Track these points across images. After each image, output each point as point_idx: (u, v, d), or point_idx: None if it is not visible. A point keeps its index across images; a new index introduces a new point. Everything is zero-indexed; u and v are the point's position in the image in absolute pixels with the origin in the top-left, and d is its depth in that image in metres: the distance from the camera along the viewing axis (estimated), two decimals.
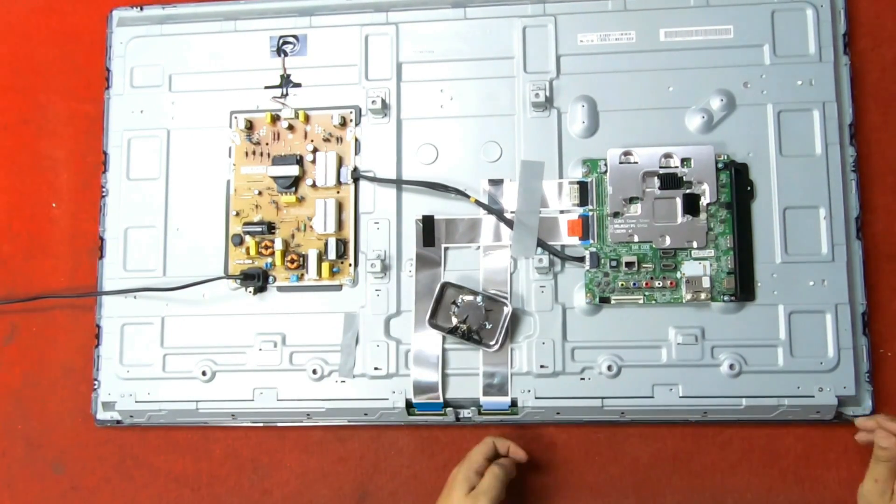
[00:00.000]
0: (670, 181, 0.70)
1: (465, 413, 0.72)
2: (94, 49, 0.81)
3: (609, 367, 0.70)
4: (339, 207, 0.74)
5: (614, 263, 0.70)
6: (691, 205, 0.70)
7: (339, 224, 0.74)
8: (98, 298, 0.77)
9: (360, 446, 0.75)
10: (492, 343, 0.70)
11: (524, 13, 0.75)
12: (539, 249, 0.71)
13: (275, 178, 0.75)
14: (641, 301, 0.70)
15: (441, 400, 0.71)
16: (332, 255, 0.74)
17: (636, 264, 0.70)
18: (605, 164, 0.71)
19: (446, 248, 0.73)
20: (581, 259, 0.71)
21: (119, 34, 0.80)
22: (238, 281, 0.74)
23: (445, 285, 0.71)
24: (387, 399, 0.72)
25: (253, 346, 0.74)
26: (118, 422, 0.76)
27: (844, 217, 0.70)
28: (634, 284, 0.70)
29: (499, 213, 0.73)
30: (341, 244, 0.74)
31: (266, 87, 0.77)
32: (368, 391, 0.72)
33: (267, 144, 0.76)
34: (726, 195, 0.70)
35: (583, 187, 0.72)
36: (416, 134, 0.75)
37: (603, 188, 0.71)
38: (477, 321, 0.70)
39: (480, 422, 0.72)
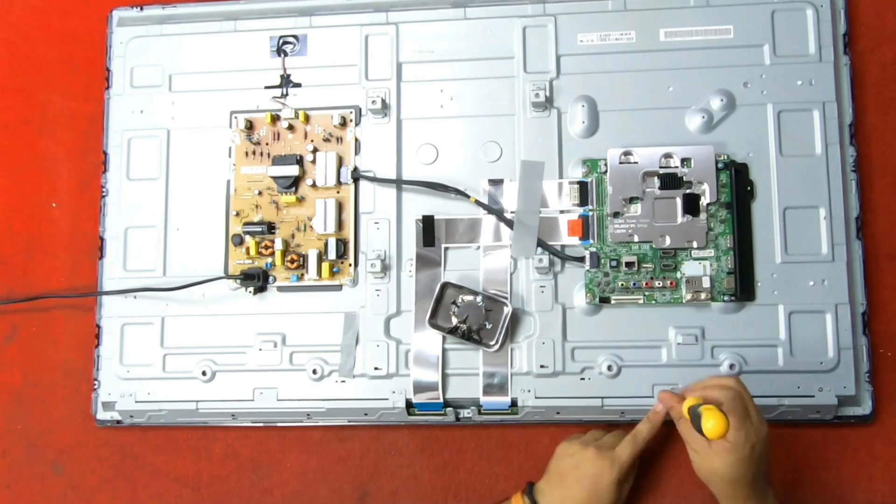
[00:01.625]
0: (670, 181, 0.70)
1: (465, 413, 0.72)
2: (94, 49, 0.81)
3: (609, 367, 0.70)
4: (339, 207, 0.74)
5: (614, 263, 0.70)
6: (691, 205, 0.70)
7: (339, 224, 0.74)
8: (98, 298, 0.77)
9: (360, 446, 0.75)
10: (492, 343, 0.70)
11: (524, 13, 0.75)
12: (539, 249, 0.71)
13: (275, 178, 0.75)
14: (641, 301, 0.70)
15: (441, 400, 0.71)
16: (332, 255, 0.74)
17: (636, 264, 0.70)
18: (605, 164, 0.71)
19: (446, 248, 0.73)
20: (581, 259, 0.71)
21: (119, 34, 0.80)
22: (238, 281, 0.74)
23: (445, 285, 0.71)
24: (387, 399, 0.72)
25: (253, 346, 0.74)
26: (118, 422, 0.76)
27: (844, 217, 0.70)
28: (634, 284, 0.70)
29: (499, 213, 0.73)
30: (341, 244, 0.74)
31: (266, 87, 0.77)
32: (368, 391, 0.72)
33: (267, 144, 0.76)
34: (726, 195, 0.70)
35: (583, 187, 0.72)
36: (416, 134, 0.75)
37: (603, 188, 0.71)
38: (477, 321, 0.70)
39: (480, 422, 0.72)
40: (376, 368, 0.72)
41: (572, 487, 0.64)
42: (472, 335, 0.70)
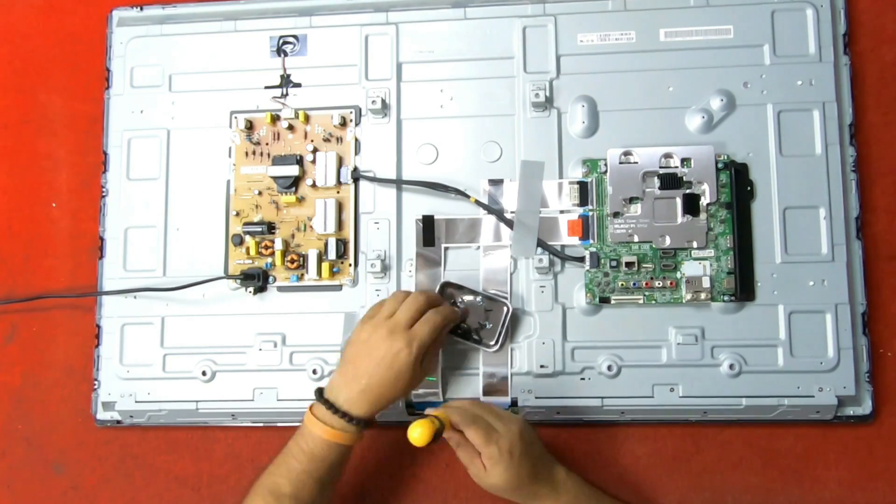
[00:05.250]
0: (670, 181, 0.70)
1: None
2: (94, 49, 0.81)
3: (609, 367, 0.70)
4: (339, 207, 0.74)
5: (614, 263, 0.70)
6: (691, 205, 0.70)
7: (339, 224, 0.74)
8: (98, 298, 0.77)
9: (359, 446, 0.74)
10: (492, 343, 0.70)
11: (524, 13, 0.75)
12: (539, 249, 0.71)
13: (275, 178, 0.75)
14: (641, 301, 0.70)
15: (441, 399, 0.71)
16: (332, 255, 0.74)
17: (636, 264, 0.70)
18: (605, 164, 0.71)
19: (446, 248, 0.73)
20: (581, 259, 0.71)
21: (119, 34, 0.80)
22: (238, 281, 0.74)
23: (445, 285, 0.71)
24: None
25: (253, 346, 0.74)
26: (118, 422, 0.76)
27: (844, 217, 0.70)
28: (634, 284, 0.70)
29: (499, 213, 0.73)
30: (341, 244, 0.74)
31: (266, 87, 0.77)
32: None
33: (267, 144, 0.76)
34: (726, 195, 0.70)
35: (583, 187, 0.72)
36: (416, 134, 0.75)
37: (603, 188, 0.71)
38: (477, 321, 0.70)
39: None
40: None
41: (369, 373, 0.62)
42: (472, 335, 0.70)
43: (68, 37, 0.83)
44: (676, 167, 0.71)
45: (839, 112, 0.71)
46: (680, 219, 0.70)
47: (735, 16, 0.73)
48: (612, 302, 0.70)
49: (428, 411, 0.62)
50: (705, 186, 0.70)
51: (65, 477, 0.78)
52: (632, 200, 0.71)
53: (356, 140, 0.76)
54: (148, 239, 0.76)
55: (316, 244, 0.74)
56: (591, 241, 0.71)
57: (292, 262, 0.74)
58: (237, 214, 0.76)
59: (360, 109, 0.76)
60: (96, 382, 0.76)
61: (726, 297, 0.69)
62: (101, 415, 0.76)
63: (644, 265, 0.70)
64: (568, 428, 0.73)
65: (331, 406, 0.62)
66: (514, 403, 0.71)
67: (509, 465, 0.60)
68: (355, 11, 0.77)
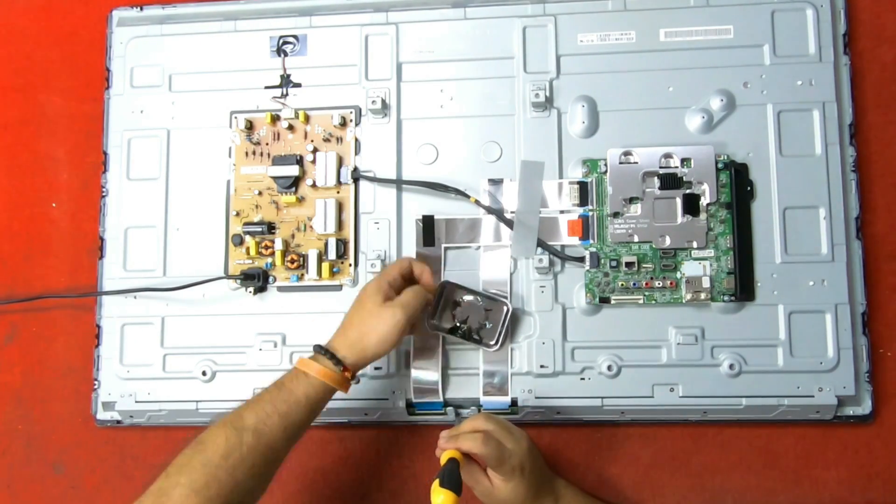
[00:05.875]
0: (670, 181, 0.70)
1: (465, 413, 0.72)
2: (94, 49, 0.81)
3: (609, 367, 0.70)
4: (339, 207, 0.74)
5: (614, 263, 0.70)
6: (691, 205, 0.70)
7: (339, 224, 0.74)
8: (98, 298, 0.77)
9: (360, 446, 0.75)
10: (492, 343, 0.70)
11: (524, 13, 0.75)
12: (539, 249, 0.71)
13: (275, 178, 0.75)
14: (641, 301, 0.70)
15: (441, 399, 0.71)
16: (332, 255, 0.74)
17: (636, 264, 0.70)
18: (605, 164, 0.71)
19: (446, 248, 0.73)
20: (581, 259, 0.71)
21: (119, 34, 0.80)
22: (238, 281, 0.74)
23: (445, 285, 0.71)
24: (387, 399, 0.72)
25: (253, 346, 0.74)
26: (118, 422, 0.76)
27: (844, 217, 0.70)
28: (634, 284, 0.70)
29: (499, 213, 0.73)
30: (341, 244, 0.74)
31: (266, 87, 0.77)
32: (368, 391, 0.72)
33: (267, 144, 0.76)
34: (726, 195, 0.70)
35: (583, 187, 0.72)
36: (416, 134, 0.75)
37: (603, 188, 0.71)
38: (477, 321, 0.70)
39: None
40: (376, 368, 0.72)
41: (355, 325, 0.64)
42: (472, 335, 0.70)
43: (68, 37, 0.83)
44: (676, 167, 0.71)
45: (839, 112, 0.71)
46: (680, 219, 0.70)
47: (735, 16, 0.73)
48: (612, 302, 0.70)
49: (438, 451, 0.62)
50: (705, 186, 0.70)
51: (65, 477, 0.78)
52: (632, 200, 0.71)
53: (356, 140, 0.76)
54: (148, 239, 0.76)
55: (316, 244, 0.74)
56: (591, 241, 0.71)
57: (292, 262, 0.74)
58: (237, 214, 0.76)
59: (360, 109, 0.76)
60: (96, 382, 0.76)
61: (726, 297, 0.69)
62: (101, 415, 0.76)
63: (644, 265, 0.70)
64: (568, 428, 0.73)
65: (327, 352, 0.62)
66: (514, 403, 0.71)
67: (520, 482, 0.61)
68: (355, 11, 0.77)
